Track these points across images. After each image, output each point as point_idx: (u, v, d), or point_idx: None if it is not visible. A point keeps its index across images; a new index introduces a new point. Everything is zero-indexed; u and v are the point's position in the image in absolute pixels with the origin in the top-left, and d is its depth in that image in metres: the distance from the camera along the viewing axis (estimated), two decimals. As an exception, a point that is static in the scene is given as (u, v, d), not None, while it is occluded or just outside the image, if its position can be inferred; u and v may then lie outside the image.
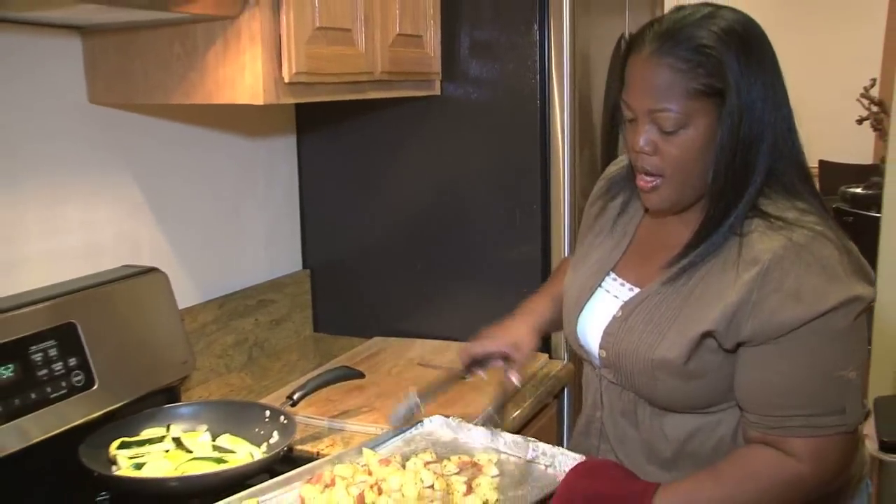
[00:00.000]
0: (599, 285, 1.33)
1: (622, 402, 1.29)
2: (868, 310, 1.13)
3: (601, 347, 1.29)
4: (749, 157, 1.15)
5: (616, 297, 1.29)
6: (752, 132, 1.14)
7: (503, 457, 1.37)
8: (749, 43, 1.15)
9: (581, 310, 1.33)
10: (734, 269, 1.14)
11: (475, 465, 1.33)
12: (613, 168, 1.46)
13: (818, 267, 1.10)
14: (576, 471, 1.23)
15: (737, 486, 1.14)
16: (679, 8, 1.19)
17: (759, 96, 1.14)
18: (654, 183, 1.20)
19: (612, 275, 1.32)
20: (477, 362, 1.46)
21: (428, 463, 1.32)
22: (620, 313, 1.26)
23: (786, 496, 1.15)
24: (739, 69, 1.12)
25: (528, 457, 1.37)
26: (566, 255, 1.95)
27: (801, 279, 1.10)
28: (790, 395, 1.13)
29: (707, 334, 1.15)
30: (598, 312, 1.31)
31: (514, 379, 1.43)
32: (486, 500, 1.22)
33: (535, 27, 1.92)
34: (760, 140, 1.15)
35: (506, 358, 1.44)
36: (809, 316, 1.09)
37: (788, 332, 1.11)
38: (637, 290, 1.27)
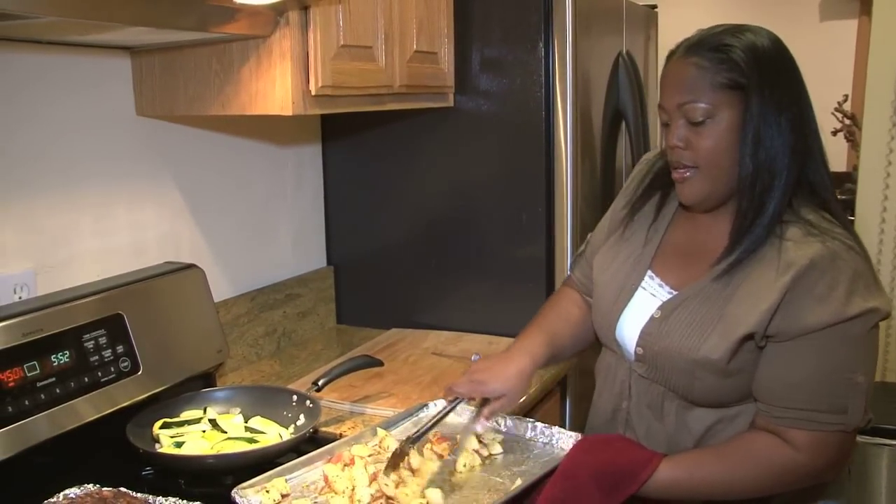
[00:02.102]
0: (641, 286, 1.28)
1: (650, 395, 1.26)
2: (882, 319, 1.13)
3: (638, 345, 1.25)
4: (774, 151, 1.14)
5: (653, 295, 1.26)
6: (775, 127, 1.14)
7: (505, 436, 1.37)
8: (772, 54, 1.16)
9: (622, 308, 1.29)
10: (773, 272, 1.13)
11: (482, 443, 1.33)
12: (651, 154, 1.42)
13: (848, 277, 1.10)
14: (579, 447, 1.21)
15: (737, 465, 1.14)
16: (711, 27, 1.21)
17: (782, 98, 1.14)
18: (688, 175, 1.19)
19: (650, 273, 1.28)
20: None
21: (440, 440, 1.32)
22: (659, 314, 1.23)
23: (781, 480, 1.14)
24: (760, 69, 1.13)
25: (528, 435, 1.36)
26: (569, 253, 1.94)
27: (831, 286, 1.10)
28: (799, 389, 1.12)
29: (748, 336, 1.14)
30: (636, 311, 1.27)
31: (479, 427, 1.30)
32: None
33: (541, 45, 1.91)
34: (784, 136, 1.14)
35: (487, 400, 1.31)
36: (832, 321, 1.09)
37: (809, 332, 1.10)
38: (676, 292, 1.24)
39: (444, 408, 1.33)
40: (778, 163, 1.14)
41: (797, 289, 1.11)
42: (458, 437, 1.32)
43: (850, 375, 1.11)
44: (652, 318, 1.24)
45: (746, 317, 1.13)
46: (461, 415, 1.42)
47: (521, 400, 1.36)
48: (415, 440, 1.25)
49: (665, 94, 1.19)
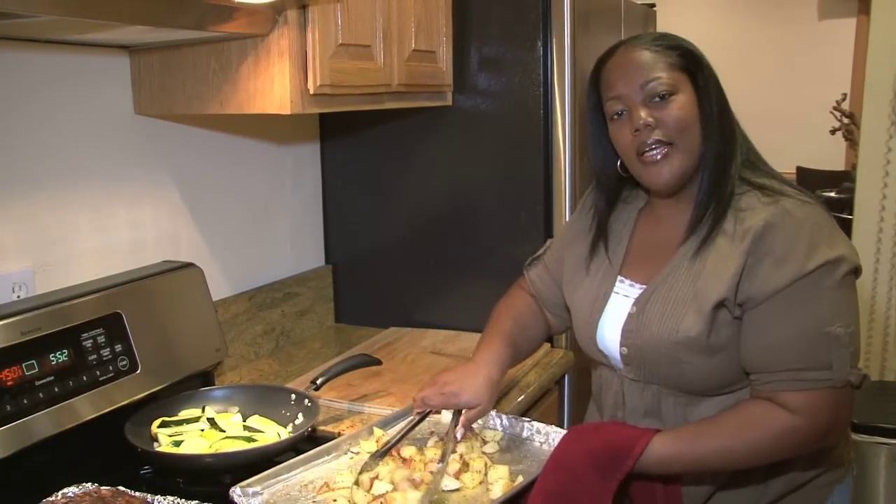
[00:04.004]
0: (613, 291, 1.29)
1: (644, 399, 1.26)
2: (854, 272, 1.13)
3: (622, 346, 1.25)
4: (729, 128, 1.19)
5: (626, 296, 1.27)
6: (724, 107, 1.20)
7: (500, 434, 1.37)
8: (699, 53, 1.22)
9: (598, 318, 1.30)
10: (734, 241, 1.15)
11: (484, 441, 1.35)
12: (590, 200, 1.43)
13: (806, 231, 1.11)
14: (569, 436, 1.20)
15: (734, 434, 1.13)
16: None
17: (718, 89, 1.21)
18: (665, 151, 1.18)
19: (620, 278, 1.29)
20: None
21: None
22: (635, 309, 1.23)
23: (781, 445, 1.13)
24: (700, 60, 1.20)
25: (524, 435, 1.37)
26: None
27: (790, 243, 1.11)
28: (780, 351, 1.12)
29: (720, 305, 1.14)
30: (613, 316, 1.27)
31: (458, 434, 1.31)
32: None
33: (539, 44, 1.92)
34: (731, 119, 1.21)
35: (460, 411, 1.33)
36: (796, 276, 1.09)
37: (778, 292, 1.11)
38: (645, 286, 1.25)
39: (413, 419, 1.34)
40: (733, 139, 1.19)
41: (757, 252, 1.12)
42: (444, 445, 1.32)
43: (828, 328, 1.10)
44: (629, 316, 1.24)
45: (715, 286, 1.15)
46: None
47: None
48: (381, 454, 1.26)
49: (620, 82, 1.20)
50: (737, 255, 1.14)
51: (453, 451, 1.27)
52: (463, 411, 1.31)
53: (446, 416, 1.40)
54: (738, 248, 1.14)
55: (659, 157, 1.18)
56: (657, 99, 1.17)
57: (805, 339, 1.11)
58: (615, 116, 1.22)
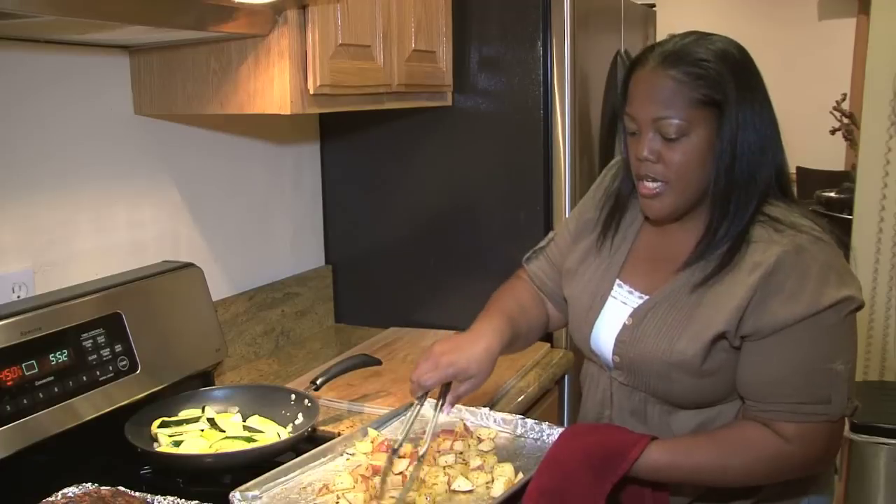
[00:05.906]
0: (611, 295, 1.28)
1: (632, 401, 1.26)
2: (857, 309, 1.13)
3: (615, 354, 1.25)
4: (751, 165, 1.15)
5: (624, 303, 1.26)
6: (751, 142, 1.14)
7: (495, 432, 1.37)
8: (742, 63, 1.16)
9: (594, 319, 1.29)
10: (741, 273, 1.14)
11: (480, 440, 1.34)
12: (615, 162, 1.41)
13: (817, 269, 1.11)
14: (566, 435, 1.20)
15: (730, 452, 1.14)
16: (674, 35, 1.20)
17: (756, 110, 1.15)
18: (657, 190, 1.17)
19: (619, 282, 1.28)
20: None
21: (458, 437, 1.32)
22: (630, 321, 1.23)
23: (773, 469, 1.14)
24: (735, 84, 1.13)
25: (517, 432, 1.37)
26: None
27: (801, 281, 1.10)
28: (781, 384, 1.12)
29: (720, 336, 1.14)
30: (609, 320, 1.27)
31: (445, 411, 1.27)
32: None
33: (539, 44, 1.92)
34: (761, 151, 1.15)
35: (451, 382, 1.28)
36: (806, 314, 1.10)
37: (785, 328, 1.11)
38: (646, 297, 1.24)
39: (416, 405, 1.30)
40: (751, 174, 1.15)
41: (767, 287, 1.11)
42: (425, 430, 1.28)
43: (830, 365, 1.11)
44: (624, 326, 1.24)
45: (716, 317, 1.14)
46: (460, 412, 1.42)
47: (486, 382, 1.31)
48: (395, 450, 1.24)
49: (637, 104, 1.17)
50: (743, 288, 1.12)
51: (434, 436, 1.25)
52: (452, 386, 1.27)
53: (429, 412, 1.33)
54: (746, 281, 1.12)
55: (655, 191, 1.18)
56: (665, 139, 1.15)
57: (807, 376, 1.12)
58: (629, 133, 1.21)
